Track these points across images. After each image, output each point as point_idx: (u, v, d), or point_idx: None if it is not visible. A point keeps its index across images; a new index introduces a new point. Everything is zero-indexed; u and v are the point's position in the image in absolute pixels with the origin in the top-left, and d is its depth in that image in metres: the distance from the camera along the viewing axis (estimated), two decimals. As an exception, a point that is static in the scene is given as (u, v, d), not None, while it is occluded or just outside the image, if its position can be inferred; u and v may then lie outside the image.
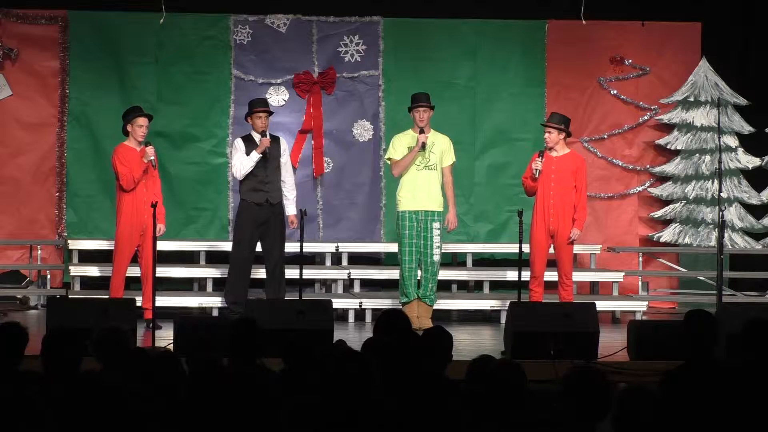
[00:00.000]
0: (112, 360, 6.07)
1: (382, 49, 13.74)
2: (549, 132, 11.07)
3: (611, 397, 4.90)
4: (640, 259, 13.72)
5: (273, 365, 6.74)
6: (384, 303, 12.03)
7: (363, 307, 12.32)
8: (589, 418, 4.86)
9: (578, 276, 12.49)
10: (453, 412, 4.70)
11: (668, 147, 13.91)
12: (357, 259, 13.49)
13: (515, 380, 5.17)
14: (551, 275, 11.21)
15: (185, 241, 13.33)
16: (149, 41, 13.49)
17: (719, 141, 12.32)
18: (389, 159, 11.32)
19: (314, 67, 13.68)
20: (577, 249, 12.00)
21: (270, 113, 11.58)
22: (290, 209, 11.53)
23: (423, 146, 11.10)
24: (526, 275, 10.90)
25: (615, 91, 13.98)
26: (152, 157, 11.21)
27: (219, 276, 12.40)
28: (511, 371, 5.19)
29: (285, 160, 11.59)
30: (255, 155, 11.31)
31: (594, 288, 13.38)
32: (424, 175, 11.20)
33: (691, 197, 13.75)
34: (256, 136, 11.41)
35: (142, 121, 11.26)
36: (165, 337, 10.22)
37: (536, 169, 10.98)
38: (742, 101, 13.80)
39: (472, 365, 5.52)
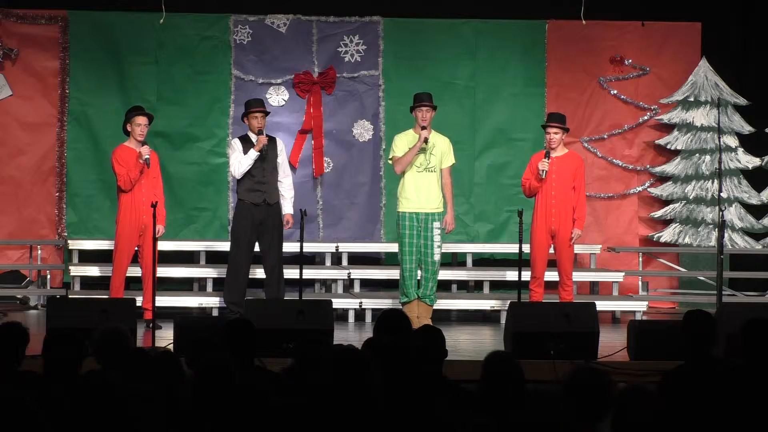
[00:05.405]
0: (112, 360, 6.07)
1: (382, 49, 13.74)
2: (556, 132, 11.09)
3: (612, 397, 4.89)
4: (640, 259, 13.72)
5: (273, 365, 6.74)
6: (384, 303, 12.03)
7: (363, 307, 12.33)
8: (590, 419, 4.86)
9: (578, 276, 12.49)
10: (451, 411, 4.70)
11: (668, 147, 13.91)
12: (357, 259, 13.50)
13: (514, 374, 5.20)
14: (551, 275, 11.22)
15: (185, 241, 13.34)
16: (149, 41, 13.50)
17: (719, 141, 12.33)
18: (391, 158, 11.32)
19: (314, 67, 13.69)
20: (577, 249, 12.01)
21: (266, 113, 11.58)
22: (287, 208, 11.53)
23: (426, 141, 11.09)
24: (526, 275, 10.91)
25: (615, 91, 13.98)
26: (147, 156, 11.21)
27: (219, 276, 12.40)
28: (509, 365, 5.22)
29: (282, 160, 11.59)
30: (253, 153, 11.32)
31: (594, 288, 13.38)
32: (424, 177, 11.20)
33: (691, 197, 13.75)
34: (253, 137, 11.41)
35: (140, 119, 11.25)
36: (165, 337, 10.23)
37: (543, 170, 10.98)
38: (742, 101, 13.80)
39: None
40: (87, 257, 13.13)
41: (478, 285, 13.34)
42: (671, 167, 13.88)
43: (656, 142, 14.00)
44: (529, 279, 11.09)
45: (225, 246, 12.28)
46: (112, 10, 13.44)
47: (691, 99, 13.82)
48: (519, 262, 10.55)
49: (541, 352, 8.98)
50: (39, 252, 13.30)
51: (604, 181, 14.00)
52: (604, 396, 4.85)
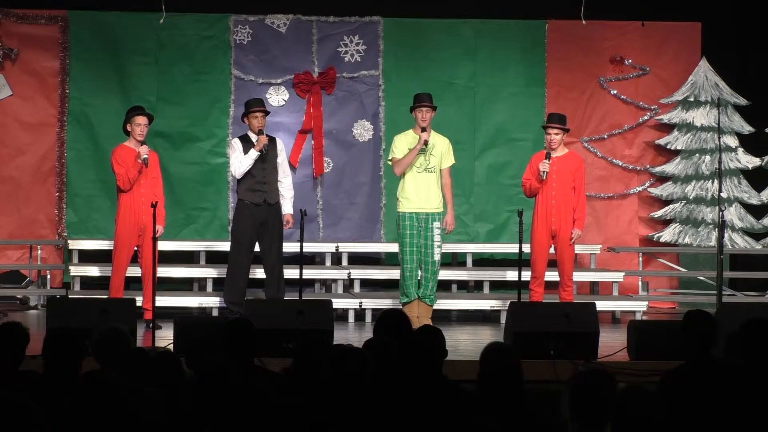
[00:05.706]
0: (112, 360, 6.07)
1: (382, 49, 13.74)
2: (557, 133, 11.09)
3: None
4: (640, 259, 13.72)
5: (273, 365, 6.74)
6: (384, 303, 12.03)
7: (363, 307, 12.32)
8: (593, 420, 4.84)
9: (578, 276, 12.49)
10: (452, 412, 4.70)
11: (668, 147, 13.91)
12: (357, 259, 13.50)
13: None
14: (552, 275, 11.22)
15: (185, 241, 13.34)
16: (149, 41, 13.50)
17: (719, 141, 12.33)
18: (391, 159, 11.32)
19: (314, 67, 13.69)
20: (577, 249, 12.00)
21: (266, 113, 11.57)
22: (287, 208, 11.53)
23: (426, 144, 11.09)
24: (526, 275, 10.91)
25: (615, 91, 13.98)
26: (145, 156, 11.21)
27: (219, 276, 12.40)
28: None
29: (281, 160, 11.59)
30: (253, 153, 11.32)
31: (594, 288, 13.38)
32: (424, 177, 11.19)
33: (691, 197, 13.76)
34: (253, 137, 11.41)
35: (140, 119, 11.26)
36: (165, 337, 10.22)
37: (544, 171, 10.97)
38: (742, 101, 13.80)
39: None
40: (87, 257, 13.13)
41: (478, 285, 13.34)
42: (671, 167, 13.88)
43: (656, 142, 14.00)
44: (529, 279, 11.09)
45: (225, 246, 12.27)
46: (112, 10, 13.44)
47: (691, 99, 13.82)
48: (519, 262, 10.55)
49: (541, 352, 8.98)
50: (39, 252, 13.30)
51: (604, 181, 14.00)
52: (607, 399, 4.82)
